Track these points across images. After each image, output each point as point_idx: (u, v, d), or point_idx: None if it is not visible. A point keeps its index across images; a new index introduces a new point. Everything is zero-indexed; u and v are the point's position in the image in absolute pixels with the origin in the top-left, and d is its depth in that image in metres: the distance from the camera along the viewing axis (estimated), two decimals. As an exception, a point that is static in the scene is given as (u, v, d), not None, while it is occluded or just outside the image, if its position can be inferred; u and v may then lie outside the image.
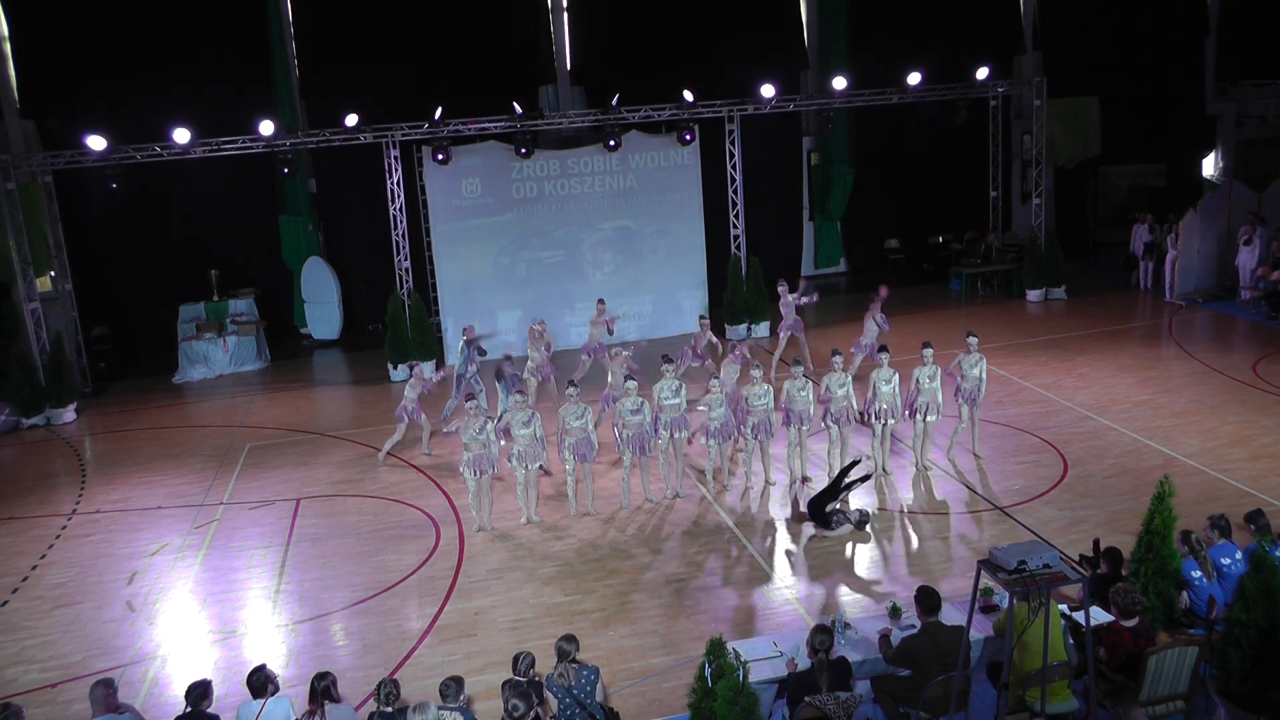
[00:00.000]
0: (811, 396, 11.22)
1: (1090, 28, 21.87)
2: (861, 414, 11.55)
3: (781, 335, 15.22)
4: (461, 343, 13.96)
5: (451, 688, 6.45)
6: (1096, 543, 8.01)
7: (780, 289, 15.16)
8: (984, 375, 11.49)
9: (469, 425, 10.51)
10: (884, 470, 11.58)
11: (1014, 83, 20.85)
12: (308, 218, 20.15)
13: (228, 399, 16.90)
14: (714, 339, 14.32)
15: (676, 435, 11.13)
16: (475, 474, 10.59)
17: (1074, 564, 5.94)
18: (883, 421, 11.34)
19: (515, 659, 6.82)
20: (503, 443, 10.87)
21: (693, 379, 14.55)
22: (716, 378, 11.38)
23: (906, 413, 11.34)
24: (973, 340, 11.48)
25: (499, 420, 11.60)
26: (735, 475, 11.76)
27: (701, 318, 15.08)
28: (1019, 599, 5.96)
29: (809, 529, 10.35)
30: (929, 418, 11.28)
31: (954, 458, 11.74)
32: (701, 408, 11.11)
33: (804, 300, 15.16)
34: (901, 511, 10.70)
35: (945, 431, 11.99)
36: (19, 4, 18.33)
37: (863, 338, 14.23)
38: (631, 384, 11.01)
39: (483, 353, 13.93)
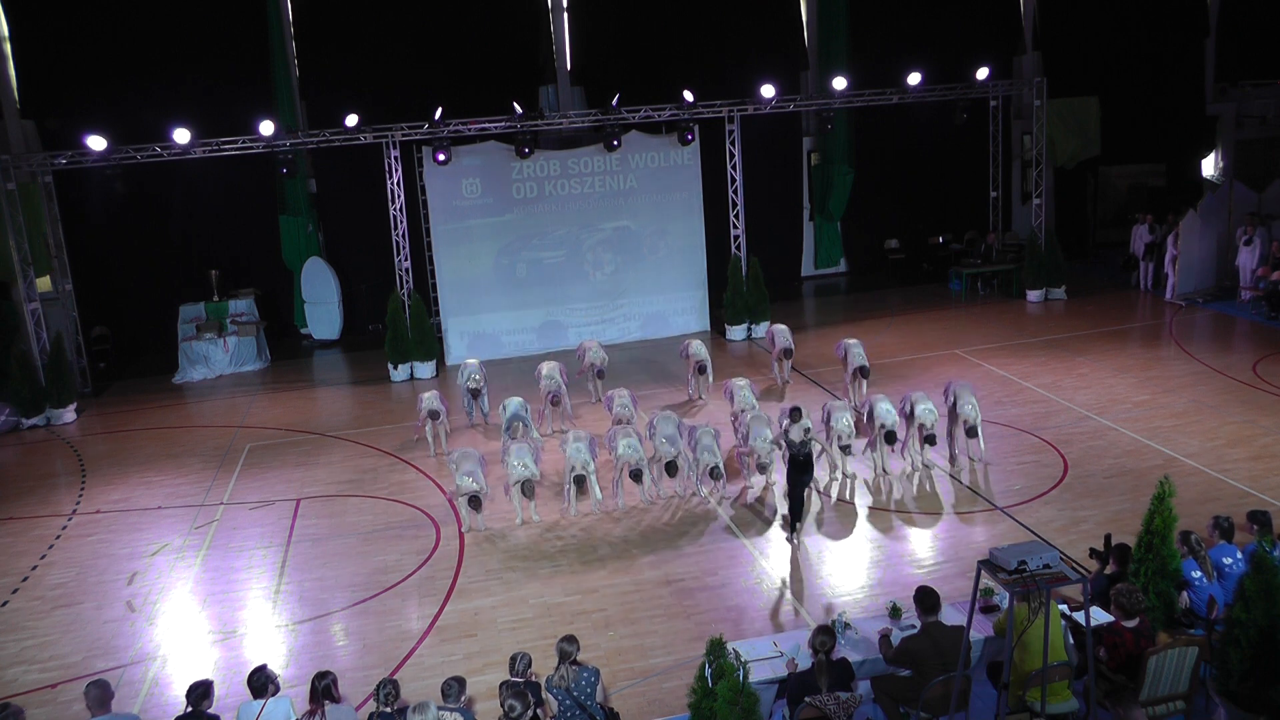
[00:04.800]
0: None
1: (1090, 28, 21.88)
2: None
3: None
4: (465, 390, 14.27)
5: (454, 688, 6.45)
6: (1108, 537, 8.00)
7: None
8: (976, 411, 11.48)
9: (461, 467, 10.58)
10: (884, 470, 11.60)
11: (1014, 83, 20.85)
12: (308, 218, 20.15)
13: (228, 399, 16.90)
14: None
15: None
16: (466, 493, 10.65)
17: (1074, 564, 5.94)
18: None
19: (512, 659, 6.83)
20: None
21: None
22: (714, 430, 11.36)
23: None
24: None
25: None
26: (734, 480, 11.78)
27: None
28: (1019, 599, 5.96)
29: (812, 529, 10.39)
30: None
31: (930, 462, 11.73)
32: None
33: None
34: (901, 512, 10.71)
35: (942, 435, 11.97)
36: (19, 4, 18.33)
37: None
38: (628, 440, 10.99)
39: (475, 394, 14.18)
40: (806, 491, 10.46)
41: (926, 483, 11.34)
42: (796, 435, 10.09)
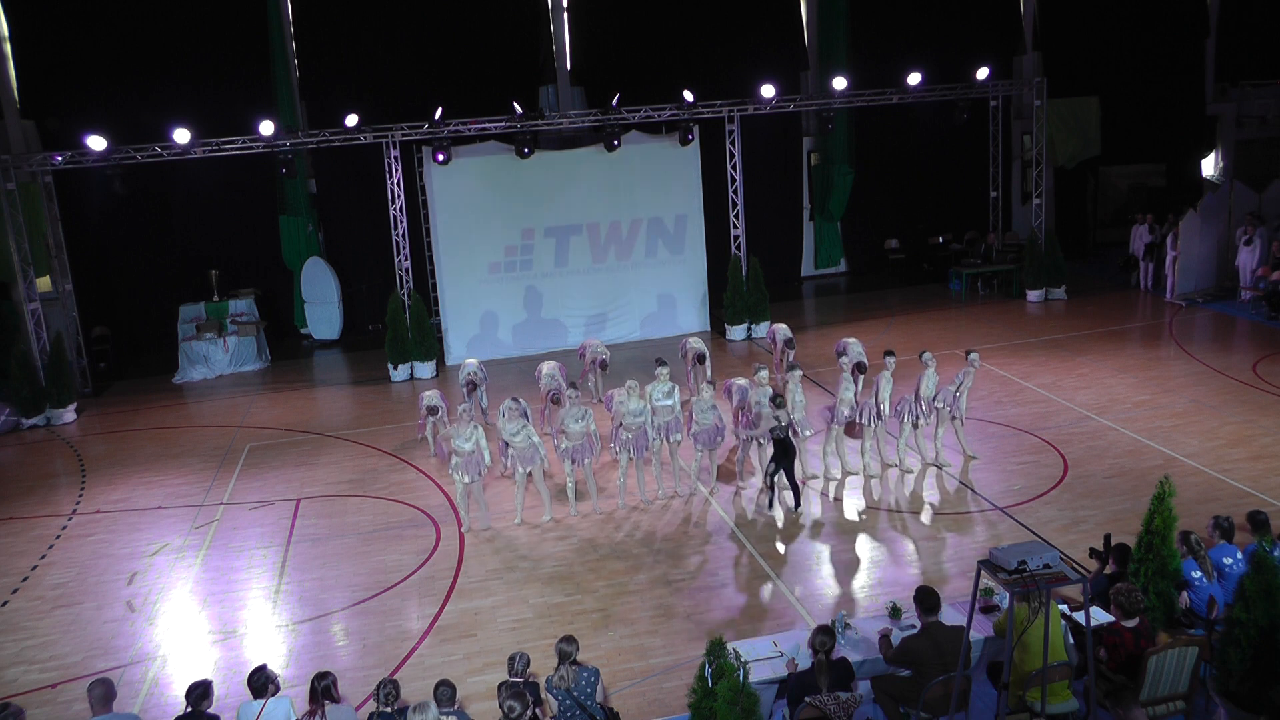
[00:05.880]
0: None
1: (1090, 28, 21.89)
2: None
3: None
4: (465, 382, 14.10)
5: (446, 693, 6.43)
6: (1108, 537, 8.00)
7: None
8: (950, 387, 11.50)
9: (459, 431, 10.51)
10: (885, 471, 11.60)
11: (1014, 83, 20.86)
12: (308, 218, 20.15)
13: (228, 399, 16.90)
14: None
15: (672, 438, 11.24)
16: (464, 477, 10.60)
17: (1074, 564, 5.94)
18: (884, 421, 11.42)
19: (511, 659, 6.82)
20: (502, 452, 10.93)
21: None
22: (711, 383, 11.55)
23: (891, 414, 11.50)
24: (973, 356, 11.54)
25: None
26: (732, 480, 11.77)
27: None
28: (1019, 599, 5.95)
29: (807, 529, 10.39)
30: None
31: (944, 460, 11.71)
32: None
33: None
34: (900, 511, 10.71)
35: (931, 436, 11.96)
36: (19, 4, 18.33)
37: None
38: (633, 383, 11.05)
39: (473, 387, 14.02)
40: (794, 476, 10.80)
41: (926, 483, 11.35)
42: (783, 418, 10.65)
